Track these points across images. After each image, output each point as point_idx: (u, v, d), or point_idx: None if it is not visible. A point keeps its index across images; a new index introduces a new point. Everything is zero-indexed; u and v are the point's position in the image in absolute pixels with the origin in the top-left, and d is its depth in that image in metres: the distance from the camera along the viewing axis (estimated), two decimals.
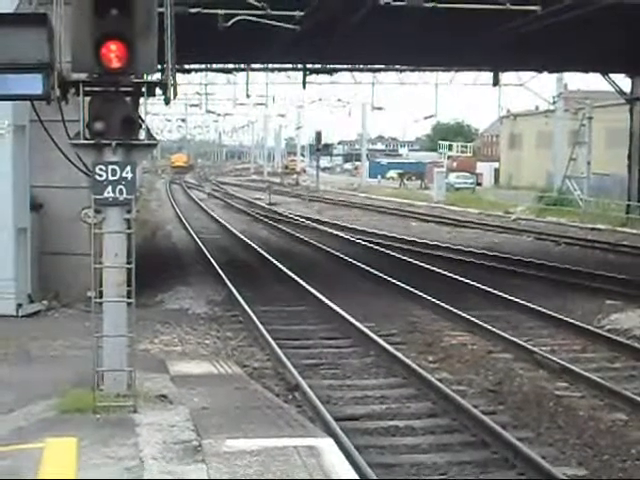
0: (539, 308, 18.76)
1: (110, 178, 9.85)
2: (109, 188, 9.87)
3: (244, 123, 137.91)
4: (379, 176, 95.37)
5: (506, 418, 11.66)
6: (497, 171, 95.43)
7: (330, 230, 38.24)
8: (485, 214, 50.44)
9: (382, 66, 39.85)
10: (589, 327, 17.14)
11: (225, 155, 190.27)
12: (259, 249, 29.64)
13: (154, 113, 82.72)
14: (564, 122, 60.17)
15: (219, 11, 21.98)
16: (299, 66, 37.21)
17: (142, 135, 10.25)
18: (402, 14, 22.61)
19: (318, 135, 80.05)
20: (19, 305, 17.11)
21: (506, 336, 16.08)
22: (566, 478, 9.15)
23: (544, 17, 21.78)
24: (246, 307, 18.48)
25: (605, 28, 24.81)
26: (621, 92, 43.27)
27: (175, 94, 10.25)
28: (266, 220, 43.75)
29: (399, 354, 14.52)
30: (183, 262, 28.01)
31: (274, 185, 72.21)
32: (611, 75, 41.70)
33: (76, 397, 9.83)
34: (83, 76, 9.89)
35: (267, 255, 27.65)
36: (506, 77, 43.14)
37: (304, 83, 37.63)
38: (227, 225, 40.58)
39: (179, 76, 31.21)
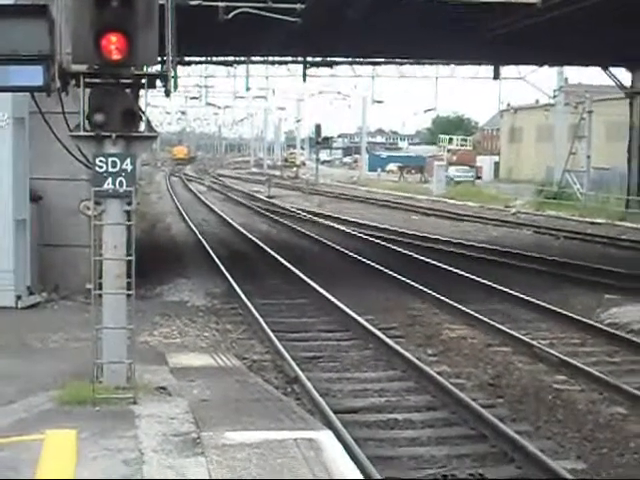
0: (538, 302, 18.76)
1: (110, 170, 9.87)
2: (109, 180, 9.89)
3: (244, 116, 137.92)
4: (379, 169, 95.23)
5: (505, 411, 11.66)
6: (497, 165, 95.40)
7: (330, 223, 38.23)
8: (485, 208, 50.42)
9: (382, 59, 39.82)
10: (588, 321, 17.12)
11: (225, 148, 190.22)
12: (259, 242, 29.63)
13: (154, 105, 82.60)
14: (564, 116, 60.15)
15: (220, 3, 21.96)
16: (299, 59, 37.19)
17: (142, 127, 10.26)
18: (402, 7, 22.61)
19: (318, 128, 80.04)
20: (18, 297, 17.10)
21: (505, 329, 16.09)
22: (571, 478, 9.14)
23: (544, 10, 21.76)
24: (245, 300, 18.47)
25: (606, 22, 24.79)
26: (621, 86, 43.26)
27: (176, 86, 10.31)
28: (266, 213, 43.73)
29: (398, 347, 14.53)
30: (182, 254, 28.01)
31: (274, 178, 72.17)
32: (611, 69, 41.69)
33: (76, 389, 9.85)
34: (83, 68, 9.91)
35: (267, 248, 27.65)
36: (506, 71, 43.06)
37: (304, 76, 37.62)
38: (227, 218, 40.56)
39: (179, 68, 31.19)
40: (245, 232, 33.36)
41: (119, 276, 9.97)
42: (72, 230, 17.72)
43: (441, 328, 16.89)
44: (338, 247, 28.56)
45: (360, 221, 39.09)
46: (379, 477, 8.85)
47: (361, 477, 7.96)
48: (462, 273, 22.55)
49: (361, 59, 40.10)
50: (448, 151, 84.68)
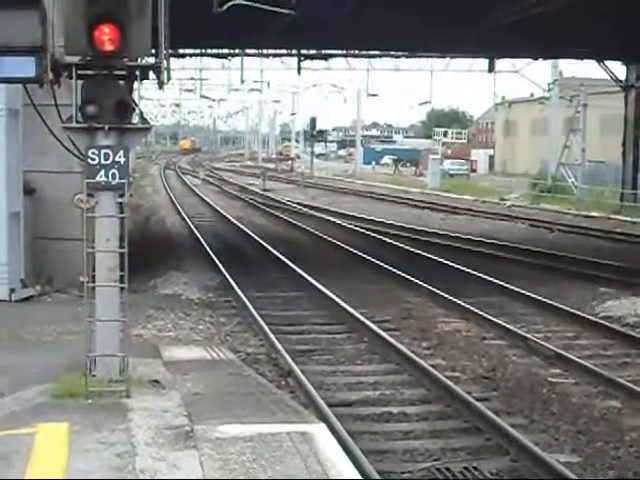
0: (533, 295, 18.75)
1: (103, 162, 9.82)
2: (102, 172, 9.84)
3: (239, 109, 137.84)
4: (373, 162, 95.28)
5: (499, 404, 11.64)
6: (492, 158, 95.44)
7: (324, 216, 38.18)
8: (480, 201, 50.43)
9: (377, 52, 39.73)
10: (583, 314, 17.12)
11: (219, 141, 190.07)
12: (253, 235, 29.58)
13: (148, 98, 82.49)
14: (559, 109, 60.12)
15: None
16: (294, 52, 37.10)
17: (135, 119, 10.21)
18: None
19: (312, 121, 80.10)
20: (12, 290, 17.07)
21: (500, 323, 16.07)
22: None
23: (539, 4, 21.75)
24: (240, 293, 18.44)
25: (601, 15, 24.77)
26: (616, 79, 43.21)
27: (169, 78, 10.21)
28: (261, 206, 43.67)
29: (393, 340, 14.50)
30: (177, 248, 27.96)
31: (268, 171, 72.07)
32: (606, 62, 41.65)
33: (69, 382, 9.81)
34: (76, 59, 9.85)
35: (261, 241, 27.60)
36: (501, 64, 43.02)
37: (299, 69, 37.55)
38: (221, 211, 40.49)
39: (173, 61, 31.09)
40: (240, 225, 33.31)
41: (112, 269, 9.93)
42: (66, 223, 17.66)
43: (436, 321, 16.87)
44: (333, 240, 28.52)
45: (355, 214, 39.03)
46: (373, 470, 8.83)
47: (355, 470, 7.93)
48: (457, 266, 22.54)
49: (356, 52, 40.01)
50: (443, 144, 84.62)
